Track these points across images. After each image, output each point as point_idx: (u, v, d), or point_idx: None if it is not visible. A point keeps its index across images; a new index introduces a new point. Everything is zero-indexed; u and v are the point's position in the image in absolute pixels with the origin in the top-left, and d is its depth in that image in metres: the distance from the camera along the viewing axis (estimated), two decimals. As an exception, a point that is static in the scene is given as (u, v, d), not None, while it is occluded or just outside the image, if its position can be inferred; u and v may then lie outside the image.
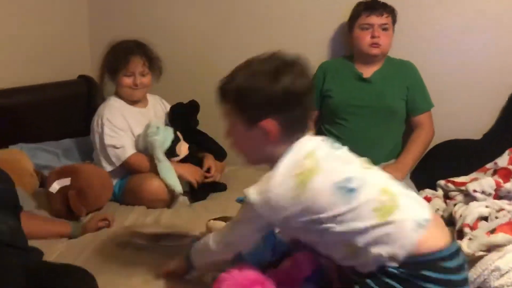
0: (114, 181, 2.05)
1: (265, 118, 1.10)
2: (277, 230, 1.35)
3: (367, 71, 2.16)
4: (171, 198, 1.99)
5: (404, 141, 2.21)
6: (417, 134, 2.16)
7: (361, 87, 2.15)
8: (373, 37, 2.09)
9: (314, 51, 2.37)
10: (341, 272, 1.18)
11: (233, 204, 1.95)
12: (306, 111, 1.14)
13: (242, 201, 1.96)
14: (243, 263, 1.29)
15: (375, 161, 2.08)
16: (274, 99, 1.08)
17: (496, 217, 1.58)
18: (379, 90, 2.13)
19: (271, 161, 1.14)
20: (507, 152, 1.94)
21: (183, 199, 2.04)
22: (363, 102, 2.13)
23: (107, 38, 2.14)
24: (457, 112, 2.27)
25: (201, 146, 2.21)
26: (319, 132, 2.27)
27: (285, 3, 2.40)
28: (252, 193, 1.11)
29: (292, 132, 1.13)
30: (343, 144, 2.11)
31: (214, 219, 1.62)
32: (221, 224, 1.56)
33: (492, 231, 1.46)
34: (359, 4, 2.16)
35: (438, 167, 2.14)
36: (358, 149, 2.13)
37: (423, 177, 2.15)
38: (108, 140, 2.02)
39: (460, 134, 2.22)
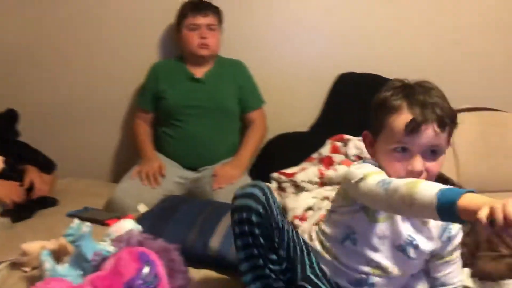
0: None
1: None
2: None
3: (199, 72, 2.17)
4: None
5: (242, 138, 2.26)
6: (251, 131, 2.23)
7: (194, 88, 2.15)
8: (201, 37, 2.10)
9: (146, 52, 2.32)
10: None
11: (63, 219, 1.82)
12: None
13: (74, 215, 1.85)
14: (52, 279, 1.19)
15: (215, 159, 2.16)
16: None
17: (319, 208, 1.69)
18: (211, 90, 2.15)
19: None
20: (328, 141, 2.10)
21: (3, 220, 1.82)
22: (197, 102, 2.13)
23: None
24: (286, 107, 2.40)
25: (23, 159, 2.00)
26: (157, 135, 2.22)
27: (116, 4, 2.30)
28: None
29: None
30: (180, 145, 2.15)
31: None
32: (37, 246, 1.41)
33: (317, 223, 1.55)
34: (184, 5, 2.15)
35: (273, 161, 2.23)
36: (195, 149, 2.17)
37: (261, 172, 2.23)
38: None
39: (291, 128, 2.35)
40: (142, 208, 1.82)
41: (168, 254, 1.27)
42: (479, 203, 0.83)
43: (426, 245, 1.17)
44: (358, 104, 2.32)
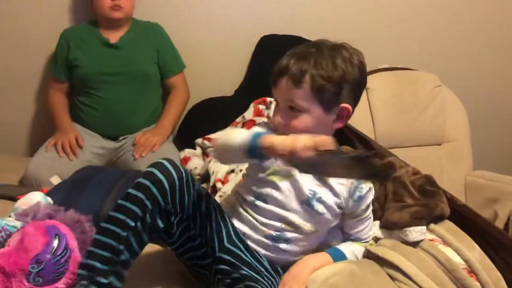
0: None
1: (344, 101, 1.15)
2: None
3: (114, 36, 2.06)
4: None
5: (163, 104, 2.21)
6: (172, 96, 2.17)
7: (109, 54, 2.05)
8: (113, -1, 1.99)
9: (54, 18, 2.17)
10: None
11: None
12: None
13: None
14: None
15: (135, 128, 2.10)
16: (356, 80, 1.14)
17: (241, 170, 1.70)
18: (128, 55, 2.06)
19: None
20: (252, 105, 2.10)
21: None
22: (114, 69, 2.03)
23: None
24: (211, 71, 2.36)
25: None
26: (72, 105, 2.12)
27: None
28: None
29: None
30: (97, 114, 2.06)
31: None
32: None
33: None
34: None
35: (198, 127, 2.20)
36: (115, 117, 2.09)
37: (186, 138, 2.21)
38: None
39: (215, 93, 2.32)
40: (55, 180, 1.75)
41: (80, 225, 1.23)
42: (274, 141, 1.02)
43: (331, 199, 1.20)
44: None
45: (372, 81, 2.29)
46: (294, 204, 1.19)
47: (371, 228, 1.32)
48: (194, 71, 2.26)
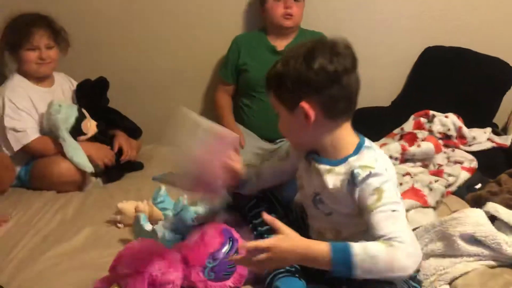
0: (18, 168, 1.92)
1: (301, 100, 1.09)
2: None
3: (281, 44, 2.17)
4: (82, 180, 1.90)
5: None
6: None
7: (276, 60, 2.15)
8: (285, 7, 2.09)
9: (228, 24, 2.35)
10: None
11: (149, 182, 1.93)
12: (346, 91, 1.10)
13: (159, 179, 1.95)
14: (145, 239, 1.27)
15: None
16: (308, 80, 1.08)
17: (401, 183, 1.66)
18: (293, 62, 2.14)
19: (318, 145, 1.15)
20: (412, 117, 2.04)
21: (97, 180, 1.96)
22: (278, 74, 2.13)
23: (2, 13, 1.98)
24: (367, 81, 2.32)
25: (113, 124, 2.12)
26: (236, 106, 2.27)
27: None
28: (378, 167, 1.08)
29: (334, 113, 1.11)
30: (259, 116, 2.17)
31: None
32: (131, 206, 1.52)
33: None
34: (270, -25, 2.15)
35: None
36: (274, 121, 2.16)
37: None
38: (8, 123, 1.88)
39: (371, 102, 2.29)
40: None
41: (245, 235, 1.30)
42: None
43: (329, 201, 1.14)
44: (444, 79, 2.24)
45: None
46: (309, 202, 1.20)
47: (397, 225, 1.02)
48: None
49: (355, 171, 1.07)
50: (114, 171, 2.01)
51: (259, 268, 1.11)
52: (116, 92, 2.25)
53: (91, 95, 2.08)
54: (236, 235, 1.25)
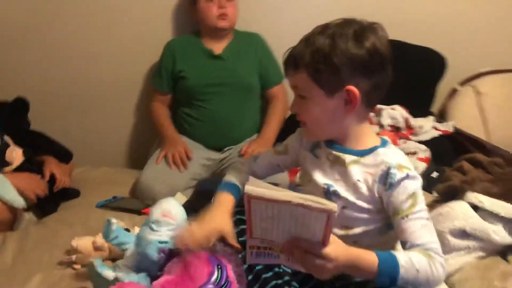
0: None
1: (348, 83, 1.01)
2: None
3: (217, 47, 2.06)
4: (13, 217, 1.64)
5: (262, 115, 2.18)
6: (273, 106, 2.14)
7: (214, 65, 2.04)
8: (220, 7, 1.98)
9: (158, 29, 2.20)
10: None
11: (94, 210, 1.72)
12: (388, 79, 1.05)
13: (105, 206, 1.75)
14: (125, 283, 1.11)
15: (239, 139, 2.07)
16: (359, 61, 1.00)
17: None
18: (232, 66, 2.04)
19: (342, 134, 1.09)
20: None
21: (29, 216, 1.71)
22: (219, 80, 2.02)
23: None
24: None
25: (40, 149, 1.87)
26: (176, 116, 2.12)
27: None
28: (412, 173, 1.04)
29: (371, 102, 1.06)
30: (203, 125, 2.05)
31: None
32: (88, 241, 1.32)
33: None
34: (199, -25, 2.03)
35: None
36: (221, 128, 2.08)
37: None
38: None
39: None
40: (180, 197, 1.73)
41: (235, 258, 1.19)
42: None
43: (347, 194, 1.07)
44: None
45: (482, 85, 2.21)
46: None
47: (433, 234, 1.01)
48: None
49: (392, 170, 1.02)
50: (48, 203, 1.77)
51: (317, 273, 0.97)
52: (36, 113, 2.00)
53: (10, 119, 1.82)
54: (224, 261, 1.13)
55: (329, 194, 1.08)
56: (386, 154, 1.05)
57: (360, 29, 1.02)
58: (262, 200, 0.87)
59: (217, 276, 1.09)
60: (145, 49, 2.20)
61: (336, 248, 0.92)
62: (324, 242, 0.90)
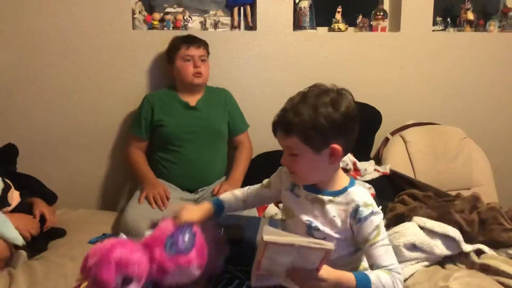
0: None
1: (332, 142, 1.24)
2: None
3: (192, 100, 2.34)
4: (10, 255, 1.75)
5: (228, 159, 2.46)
6: (240, 151, 2.44)
7: (190, 115, 2.31)
8: (195, 67, 2.28)
9: (134, 83, 2.44)
10: None
11: (87, 246, 1.86)
12: (357, 131, 1.30)
13: (96, 242, 1.90)
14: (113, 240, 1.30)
15: (210, 180, 2.33)
16: (338, 123, 1.23)
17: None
18: (206, 115, 2.33)
19: (324, 179, 1.32)
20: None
21: (24, 254, 1.82)
22: (193, 128, 2.29)
23: None
24: (266, 128, 2.62)
25: (32, 191, 2.00)
26: (152, 161, 2.34)
27: (101, 36, 2.38)
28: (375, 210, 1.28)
29: (346, 152, 1.30)
30: (178, 169, 2.28)
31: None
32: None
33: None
34: (177, 39, 2.33)
35: (261, 176, 2.44)
36: (194, 171, 2.33)
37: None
38: None
39: (273, 147, 2.57)
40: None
41: (215, 234, 1.41)
42: None
43: (326, 228, 1.31)
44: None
45: (408, 135, 2.65)
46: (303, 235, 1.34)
47: (393, 257, 1.28)
48: (252, 129, 2.54)
49: (360, 208, 1.27)
50: (39, 241, 1.89)
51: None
52: (23, 158, 2.13)
53: (4, 162, 1.95)
54: (195, 228, 1.34)
55: (310, 228, 1.33)
56: (355, 193, 1.30)
57: (336, 97, 1.26)
58: (276, 245, 1.17)
59: (184, 228, 1.32)
60: (121, 100, 2.43)
61: (327, 270, 1.22)
62: (319, 269, 1.20)
